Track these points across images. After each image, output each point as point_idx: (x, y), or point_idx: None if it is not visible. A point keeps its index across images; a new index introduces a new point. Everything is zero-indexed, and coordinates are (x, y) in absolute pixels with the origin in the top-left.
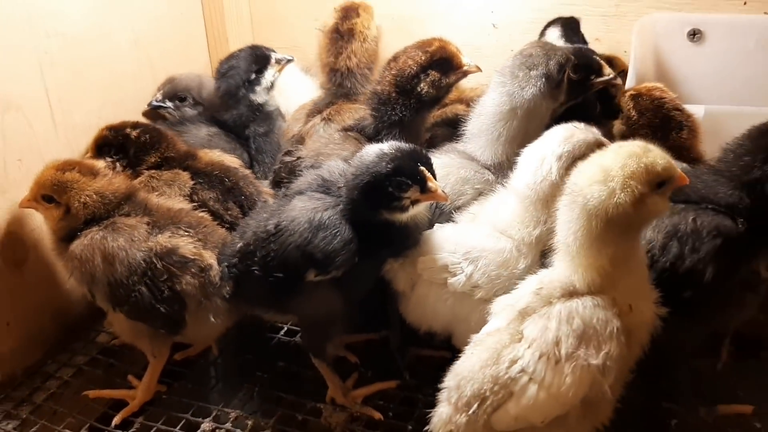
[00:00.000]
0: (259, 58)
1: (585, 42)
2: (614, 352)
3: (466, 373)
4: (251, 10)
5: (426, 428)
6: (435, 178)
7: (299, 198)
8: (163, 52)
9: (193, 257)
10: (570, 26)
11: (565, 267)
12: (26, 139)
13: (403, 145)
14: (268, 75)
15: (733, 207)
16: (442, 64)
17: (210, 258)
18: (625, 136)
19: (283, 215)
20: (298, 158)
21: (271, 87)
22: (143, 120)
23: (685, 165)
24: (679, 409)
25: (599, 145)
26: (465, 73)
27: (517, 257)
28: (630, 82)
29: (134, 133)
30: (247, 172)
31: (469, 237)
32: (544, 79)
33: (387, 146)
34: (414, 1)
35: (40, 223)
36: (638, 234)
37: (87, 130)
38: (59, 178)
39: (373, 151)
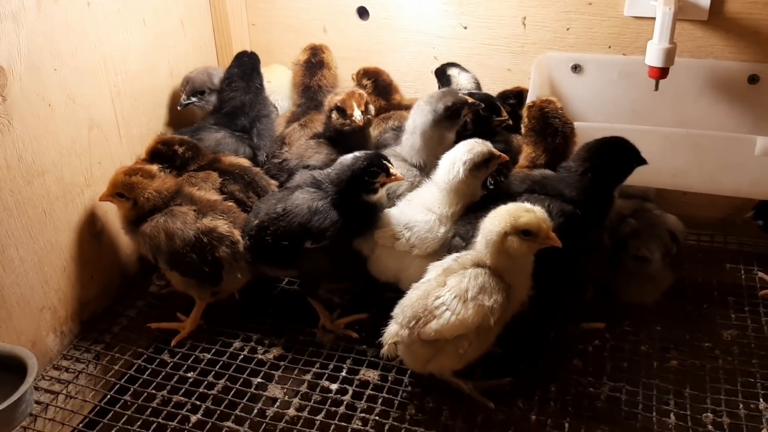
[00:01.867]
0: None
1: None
2: (499, 301)
3: (408, 304)
4: (251, 42)
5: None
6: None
7: (300, 191)
8: None
9: (227, 234)
10: (459, 65)
11: (477, 253)
12: (103, 148)
13: (369, 151)
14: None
15: (574, 200)
16: (340, 111)
17: (238, 235)
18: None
19: (289, 202)
20: (284, 160)
21: None
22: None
23: (548, 171)
24: (555, 326)
25: (491, 155)
26: (354, 121)
27: (438, 225)
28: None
29: (181, 149)
30: (258, 169)
31: (407, 214)
32: (431, 114)
33: (358, 152)
34: (375, 39)
35: (110, 208)
36: (514, 257)
37: (140, 140)
38: (128, 180)
39: (349, 156)
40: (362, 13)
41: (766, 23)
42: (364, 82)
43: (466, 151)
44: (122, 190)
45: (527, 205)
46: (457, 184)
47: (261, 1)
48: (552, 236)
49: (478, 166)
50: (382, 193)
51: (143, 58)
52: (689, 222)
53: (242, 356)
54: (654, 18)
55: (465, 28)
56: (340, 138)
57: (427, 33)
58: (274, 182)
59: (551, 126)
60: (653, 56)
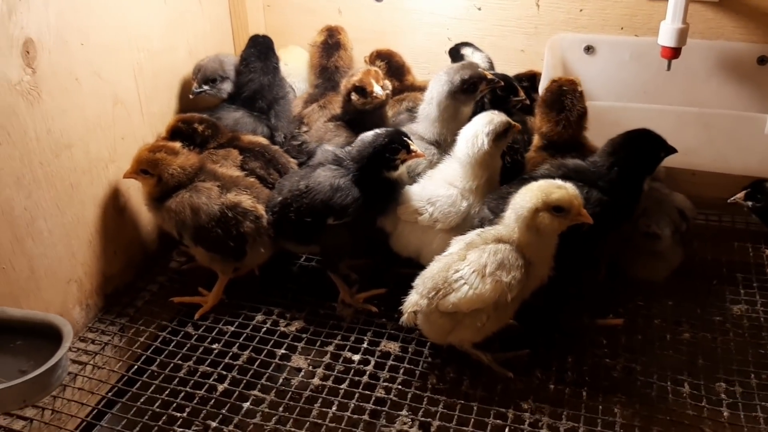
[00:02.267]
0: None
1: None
2: (518, 278)
3: (429, 275)
4: (266, 23)
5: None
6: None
7: (322, 168)
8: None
9: (251, 209)
10: (473, 45)
11: (503, 229)
12: (126, 123)
13: (389, 128)
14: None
15: (610, 190)
16: (360, 90)
17: (262, 210)
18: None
19: (311, 180)
20: (304, 142)
21: None
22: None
23: (580, 162)
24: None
25: (510, 125)
26: (376, 97)
27: (461, 200)
28: (544, 82)
29: (200, 128)
30: (277, 147)
31: (429, 189)
32: (448, 85)
33: (379, 129)
34: (390, 20)
35: (132, 184)
36: (544, 234)
37: (161, 117)
38: (152, 157)
39: (370, 133)
40: None
41: None
42: (378, 63)
43: (487, 122)
44: (147, 166)
45: (559, 181)
46: (482, 156)
47: None
48: (583, 212)
49: (500, 136)
50: (402, 169)
51: (164, 36)
52: (698, 202)
53: (265, 329)
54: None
55: (479, 9)
56: (358, 119)
57: (440, 14)
58: (293, 160)
59: (564, 100)
60: (666, 36)
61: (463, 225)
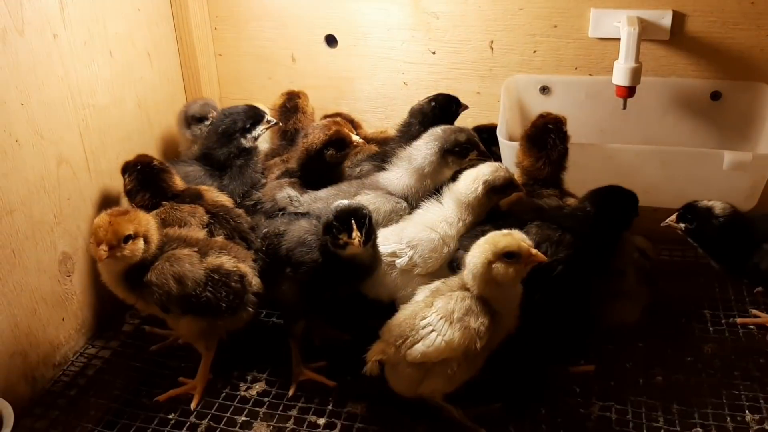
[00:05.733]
0: (255, 115)
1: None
2: (486, 324)
3: (396, 323)
4: (218, 72)
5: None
6: (366, 227)
7: (305, 218)
8: (156, 110)
9: (234, 269)
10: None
11: (463, 277)
12: (72, 183)
13: (352, 203)
14: (258, 129)
15: (584, 236)
16: (338, 143)
17: (244, 267)
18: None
19: (290, 226)
20: (258, 201)
21: (258, 138)
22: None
23: (555, 203)
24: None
25: (512, 183)
26: (355, 146)
27: (442, 245)
28: (500, 125)
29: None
30: (240, 211)
31: (410, 231)
32: (441, 142)
33: (343, 202)
34: (344, 66)
35: (80, 246)
36: (504, 284)
37: (109, 174)
38: (131, 217)
39: (335, 204)
40: (330, 41)
41: (725, 41)
42: None
43: (491, 171)
44: (132, 230)
45: (504, 230)
46: (472, 198)
47: (228, 31)
48: (535, 252)
49: (495, 189)
50: (350, 250)
51: (111, 90)
52: (660, 238)
53: (224, 394)
54: (617, 39)
55: (433, 53)
56: (316, 175)
57: (395, 59)
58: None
59: (548, 138)
60: (620, 76)
61: (440, 271)
